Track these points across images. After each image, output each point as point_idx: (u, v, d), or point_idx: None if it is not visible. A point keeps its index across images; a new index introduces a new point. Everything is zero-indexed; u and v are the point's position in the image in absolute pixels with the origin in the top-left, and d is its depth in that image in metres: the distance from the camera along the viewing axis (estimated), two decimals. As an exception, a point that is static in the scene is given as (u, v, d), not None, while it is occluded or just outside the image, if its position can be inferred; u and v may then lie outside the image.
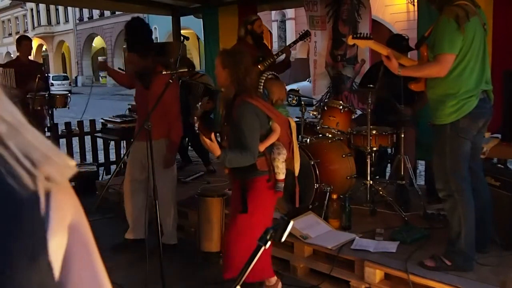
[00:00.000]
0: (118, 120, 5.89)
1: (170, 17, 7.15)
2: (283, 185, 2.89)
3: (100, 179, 6.01)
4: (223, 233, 3.48)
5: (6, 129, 0.53)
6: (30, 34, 35.98)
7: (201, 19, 6.92)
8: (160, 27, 25.20)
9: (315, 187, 3.87)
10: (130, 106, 6.28)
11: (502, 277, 2.75)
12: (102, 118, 6.36)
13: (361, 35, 3.26)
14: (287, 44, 6.13)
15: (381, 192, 4.05)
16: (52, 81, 26.43)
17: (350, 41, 3.30)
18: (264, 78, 3.69)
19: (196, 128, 2.69)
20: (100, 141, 6.67)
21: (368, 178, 4.07)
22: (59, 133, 6.25)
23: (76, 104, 7.34)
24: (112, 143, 6.49)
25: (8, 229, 0.51)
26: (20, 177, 0.52)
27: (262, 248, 1.46)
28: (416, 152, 4.40)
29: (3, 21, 47.03)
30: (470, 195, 2.84)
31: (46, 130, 5.83)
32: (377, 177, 4.74)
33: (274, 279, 3.05)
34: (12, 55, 37.13)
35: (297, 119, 4.40)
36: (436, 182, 2.96)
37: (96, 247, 0.64)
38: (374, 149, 4.12)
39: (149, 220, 3.48)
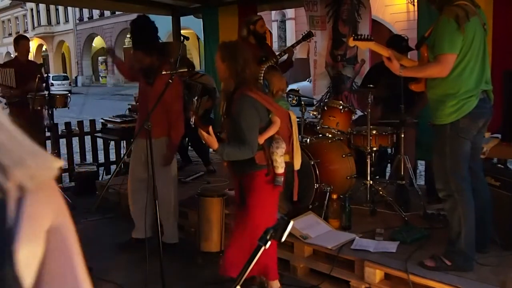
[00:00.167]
0: (118, 120, 5.89)
1: (170, 17, 7.15)
2: (282, 179, 2.85)
3: (100, 179, 6.01)
4: (223, 233, 3.47)
5: None
6: (30, 34, 36.04)
7: (201, 19, 6.93)
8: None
9: (315, 187, 3.87)
10: (130, 106, 6.29)
11: (502, 277, 2.75)
12: (102, 118, 6.37)
13: (361, 37, 3.25)
14: (286, 44, 6.14)
15: (381, 192, 4.05)
16: (52, 81, 26.39)
17: (351, 42, 3.28)
18: (264, 69, 3.69)
19: (192, 122, 2.67)
20: (100, 141, 6.67)
21: (368, 178, 4.07)
22: (59, 133, 6.24)
23: (76, 104, 7.35)
24: (112, 143, 6.50)
25: None
26: None
27: (262, 248, 1.45)
28: (416, 152, 4.40)
29: (3, 21, 46.98)
30: (470, 195, 2.84)
31: (46, 130, 5.84)
32: (377, 177, 4.74)
33: (276, 284, 2.97)
34: (12, 55, 37.01)
35: (297, 119, 4.40)
36: (436, 182, 2.95)
37: (79, 250, 0.61)
38: (374, 149, 4.12)
39: (151, 220, 3.48)
